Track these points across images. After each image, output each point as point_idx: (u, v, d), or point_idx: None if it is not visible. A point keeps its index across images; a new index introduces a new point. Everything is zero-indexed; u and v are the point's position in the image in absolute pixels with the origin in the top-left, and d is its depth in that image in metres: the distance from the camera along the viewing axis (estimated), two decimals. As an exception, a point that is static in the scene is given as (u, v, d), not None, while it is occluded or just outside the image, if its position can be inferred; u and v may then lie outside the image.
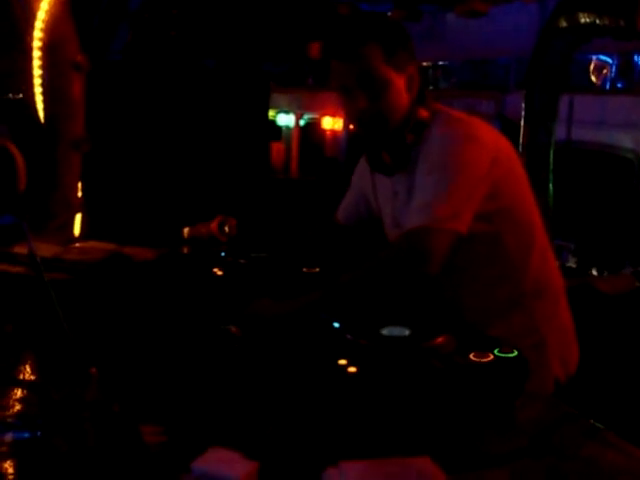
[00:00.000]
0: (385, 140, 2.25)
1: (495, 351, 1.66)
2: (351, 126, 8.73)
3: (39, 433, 1.43)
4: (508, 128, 6.26)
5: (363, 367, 1.66)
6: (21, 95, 3.51)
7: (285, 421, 1.48)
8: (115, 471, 1.28)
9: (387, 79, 2.17)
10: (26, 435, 1.42)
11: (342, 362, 1.67)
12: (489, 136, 2.23)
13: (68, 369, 1.78)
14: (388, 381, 1.62)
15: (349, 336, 1.81)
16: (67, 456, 1.34)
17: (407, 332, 1.78)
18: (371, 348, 1.75)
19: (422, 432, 1.47)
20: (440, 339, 1.75)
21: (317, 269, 2.44)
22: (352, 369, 1.65)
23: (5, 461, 1.35)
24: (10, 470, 1.32)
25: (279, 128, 13.91)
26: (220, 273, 2.49)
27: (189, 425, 1.42)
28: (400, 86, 2.20)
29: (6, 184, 3.48)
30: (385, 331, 1.79)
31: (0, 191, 3.38)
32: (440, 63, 10.57)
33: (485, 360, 1.63)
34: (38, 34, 3.17)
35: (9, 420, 1.53)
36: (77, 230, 3.36)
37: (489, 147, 2.19)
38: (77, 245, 3.18)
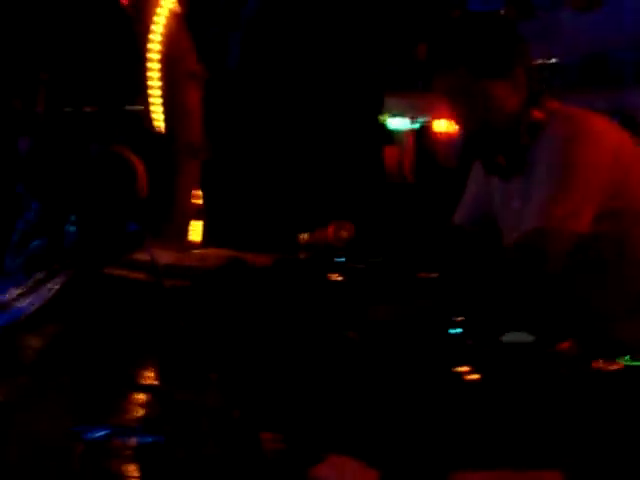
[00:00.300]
0: (498, 143, 2.22)
1: (626, 359, 1.59)
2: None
3: (162, 438, 1.44)
4: (628, 124, 6.05)
5: (484, 375, 1.61)
6: (142, 107, 3.60)
7: (406, 429, 1.45)
8: (232, 478, 1.28)
9: (486, 88, 2.15)
10: (149, 440, 1.44)
11: (462, 369, 1.63)
12: (609, 133, 2.16)
13: (189, 374, 1.80)
14: (511, 389, 1.57)
15: (470, 342, 1.77)
16: (185, 462, 1.35)
17: (530, 338, 1.73)
18: (493, 355, 1.70)
19: (550, 444, 1.42)
20: (565, 344, 1.69)
21: (434, 274, 2.40)
22: (473, 377, 1.61)
23: (129, 465, 1.36)
24: (134, 474, 1.34)
25: (392, 132, 13.85)
26: (337, 278, 2.49)
27: (308, 432, 1.41)
28: (504, 92, 2.17)
29: (128, 192, 3.58)
30: (507, 337, 1.75)
31: (122, 199, 3.50)
32: (555, 61, 10.33)
33: (614, 368, 1.57)
34: (156, 47, 3.24)
35: (133, 425, 1.55)
36: (198, 237, 3.41)
37: (609, 145, 2.12)
38: (196, 252, 3.23)
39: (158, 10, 3.20)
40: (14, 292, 2.49)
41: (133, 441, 1.44)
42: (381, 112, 8.68)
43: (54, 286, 2.55)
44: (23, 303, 2.39)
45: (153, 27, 3.20)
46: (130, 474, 1.33)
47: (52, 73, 18.36)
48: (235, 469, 1.30)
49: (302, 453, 1.30)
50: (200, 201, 3.44)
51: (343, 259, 2.70)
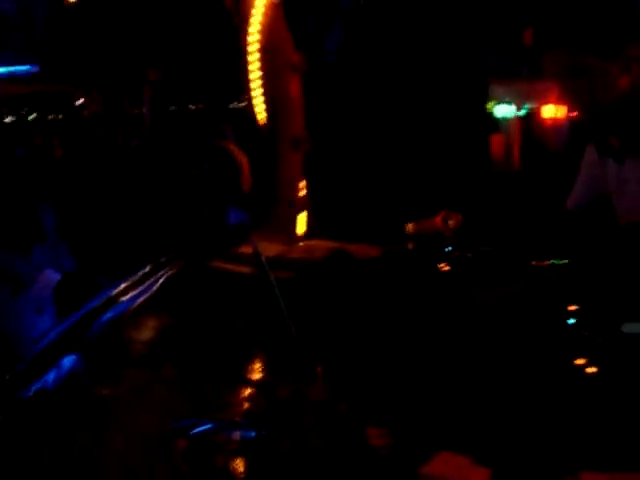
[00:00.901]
0: (610, 125, 2.14)
1: None
2: (574, 114, 8.39)
3: (264, 432, 1.41)
4: None
5: (603, 367, 1.53)
6: (245, 103, 3.60)
7: (519, 425, 1.38)
8: (338, 473, 1.24)
9: (596, 67, 2.08)
10: (252, 434, 1.41)
11: (580, 362, 1.55)
12: None
13: (294, 368, 1.77)
14: (631, 383, 1.48)
15: (586, 333, 1.69)
16: (290, 456, 1.31)
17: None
18: (611, 346, 1.61)
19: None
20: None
21: (547, 262, 2.31)
22: (591, 369, 1.53)
23: (233, 459, 1.34)
24: (238, 468, 1.32)
25: (498, 120, 13.65)
26: (446, 268, 2.43)
27: (417, 428, 1.35)
28: (615, 71, 2.10)
29: (233, 186, 3.60)
30: (627, 327, 1.65)
31: (227, 192, 3.51)
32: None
33: None
34: (255, 38, 3.23)
35: (237, 419, 1.53)
36: (302, 229, 3.39)
37: None
38: (301, 244, 3.21)
39: (256, 2, 3.18)
40: (121, 286, 2.51)
41: (237, 435, 1.42)
42: (487, 100, 8.51)
43: (160, 280, 2.56)
44: (129, 297, 2.41)
45: (252, 19, 3.18)
46: (234, 468, 1.31)
47: (158, 73, 18.78)
48: (340, 464, 1.26)
49: (411, 449, 1.25)
50: (304, 193, 3.41)
51: (450, 248, 2.63)
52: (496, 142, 12.81)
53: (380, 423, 1.35)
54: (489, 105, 10.29)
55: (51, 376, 1.81)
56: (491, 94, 9.72)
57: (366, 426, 1.34)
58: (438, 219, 2.84)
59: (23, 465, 1.53)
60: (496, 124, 13.16)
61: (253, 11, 3.18)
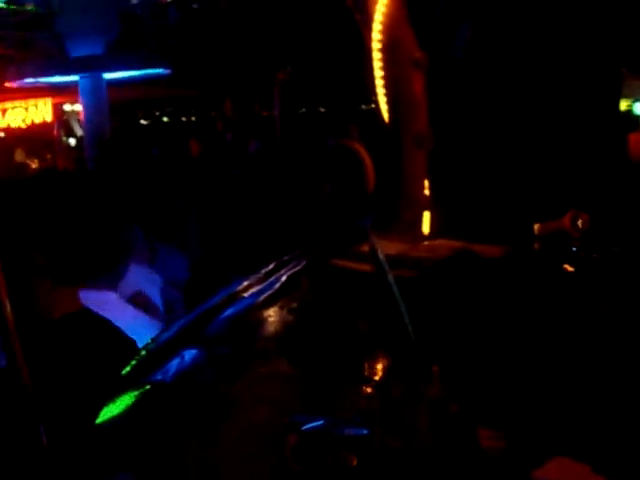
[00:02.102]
0: None
1: None
2: None
3: (377, 430, 1.39)
4: None
5: None
6: (372, 106, 3.59)
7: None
8: (448, 473, 1.21)
9: None
10: (364, 432, 1.40)
11: None
12: None
13: (410, 367, 1.74)
14: None
15: None
16: (401, 454, 1.29)
17: None
18: None
19: None
20: None
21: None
22: None
23: (346, 456, 1.33)
24: (350, 465, 1.31)
25: (637, 118, 13.16)
26: (572, 269, 2.35)
27: (532, 431, 1.30)
28: None
29: (356, 185, 3.59)
30: None
31: (352, 191, 3.51)
32: None
33: None
34: (377, 35, 3.21)
35: (350, 416, 1.52)
36: (426, 228, 3.35)
37: None
38: (425, 243, 3.17)
39: (378, -2, 3.16)
40: (244, 283, 2.55)
41: (349, 432, 1.41)
42: (620, 96, 8.18)
43: (282, 277, 2.58)
44: (252, 293, 2.44)
45: (374, 15, 3.17)
46: (344, 465, 1.30)
47: (287, 74, 19.00)
48: (451, 464, 1.23)
49: (523, 453, 1.21)
50: (427, 191, 3.37)
51: (575, 249, 2.55)
52: (635, 141, 12.33)
53: (493, 425, 1.31)
54: (627, 102, 9.92)
55: (172, 368, 1.85)
56: (631, 91, 9.36)
57: (478, 427, 1.30)
58: (566, 219, 2.75)
59: (143, 454, 1.57)
60: (636, 122, 12.68)
61: (376, 7, 3.16)
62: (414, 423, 1.46)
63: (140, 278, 4.91)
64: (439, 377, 1.63)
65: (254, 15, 19.87)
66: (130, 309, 3.74)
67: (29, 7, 18.35)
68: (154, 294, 4.82)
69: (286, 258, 2.77)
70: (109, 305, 3.73)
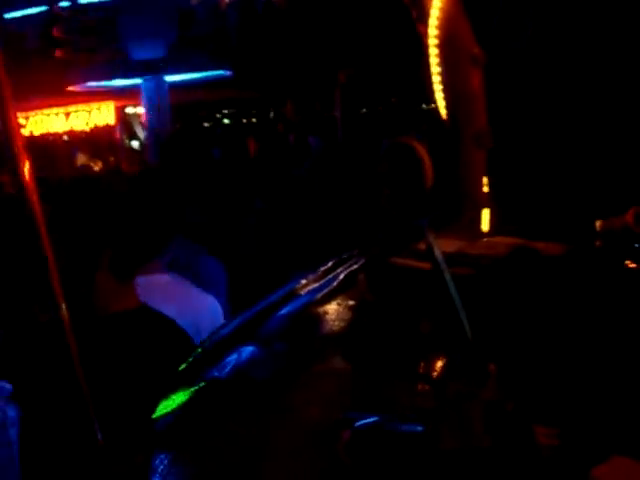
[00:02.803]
0: None
1: None
2: None
3: (432, 428, 1.38)
4: None
5: None
6: (433, 105, 3.58)
7: None
8: (504, 472, 1.19)
9: None
10: (419, 429, 1.39)
11: None
12: None
13: (467, 365, 1.73)
14: None
15: None
16: (455, 453, 1.28)
17: None
18: None
19: None
20: None
21: None
22: None
23: (396, 452, 1.33)
24: (402, 462, 1.30)
25: None
26: (633, 266, 2.30)
27: (588, 429, 1.28)
28: None
29: (414, 182, 3.57)
30: None
31: (410, 188, 3.49)
32: None
33: None
34: (433, 31, 3.18)
35: (406, 412, 1.51)
36: (485, 226, 3.32)
37: None
38: (483, 240, 3.14)
39: (435, -8, 3.14)
40: (302, 280, 2.55)
41: (403, 429, 1.40)
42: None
43: (340, 275, 2.58)
44: (309, 290, 2.44)
45: (430, 11, 3.14)
46: (397, 462, 1.29)
47: (349, 75, 18.97)
48: (507, 463, 1.21)
49: (581, 451, 1.18)
50: (486, 189, 3.34)
51: (638, 245, 2.49)
52: None
53: (549, 422, 1.29)
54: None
55: (229, 365, 1.86)
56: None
57: (534, 425, 1.28)
58: (629, 215, 2.70)
59: (198, 449, 1.59)
60: None
61: (433, 3, 3.14)
62: (470, 423, 1.44)
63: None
64: (496, 376, 1.61)
65: (314, 16, 19.91)
66: (189, 287, 3.78)
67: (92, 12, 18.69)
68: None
69: (344, 256, 2.77)
70: (167, 286, 3.78)
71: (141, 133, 22.84)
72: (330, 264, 2.71)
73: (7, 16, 22.80)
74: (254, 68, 17.75)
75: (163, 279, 3.81)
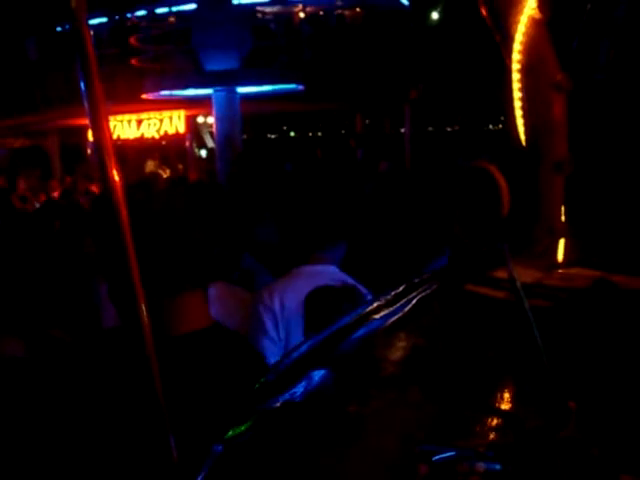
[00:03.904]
0: None
1: None
2: None
3: (510, 466, 1.34)
4: None
5: None
6: (500, 126, 3.52)
7: None
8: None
9: None
10: (497, 467, 1.35)
11: None
12: None
13: (545, 401, 1.68)
14: None
15: None
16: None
17: None
18: None
19: None
20: None
21: None
22: None
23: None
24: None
25: None
26: None
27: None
28: None
29: (490, 208, 3.52)
30: None
31: (486, 215, 3.43)
32: None
33: None
34: (516, 56, 3.13)
35: (481, 449, 1.47)
36: (560, 256, 3.25)
37: None
38: (560, 271, 3.07)
39: (519, 17, 3.08)
40: (374, 304, 2.53)
41: (480, 467, 1.36)
42: None
43: (412, 300, 2.54)
44: (382, 315, 2.41)
45: (514, 35, 3.09)
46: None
47: (419, 92, 18.92)
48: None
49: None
50: (563, 218, 3.26)
51: None
52: None
53: (638, 472, 1.24)
54: None
55: (300, 389, 1.84)
56: None
57: (621, 474, 1.23)
58: None
59: (270, 473, 1.57)
60: None
61: (518, 27, 3.09)
62: (550, 463, 1.40)
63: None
64: (576, 415, 1.56)
65: (387, 31, 19.91)
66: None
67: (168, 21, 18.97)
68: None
69: (416, 280, 2.73)
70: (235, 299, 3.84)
71: (210, 142, 23.09)
72: (402, 288, 2.68)
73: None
74: (325, 82, 17.83)
75: (232, 292, 3.86)
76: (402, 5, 23.95)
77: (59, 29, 24.60)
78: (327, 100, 19.51)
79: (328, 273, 3.74)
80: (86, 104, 1.44)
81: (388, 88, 18.99)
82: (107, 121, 1.49)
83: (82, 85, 1.45)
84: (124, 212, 1.45)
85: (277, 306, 3.55)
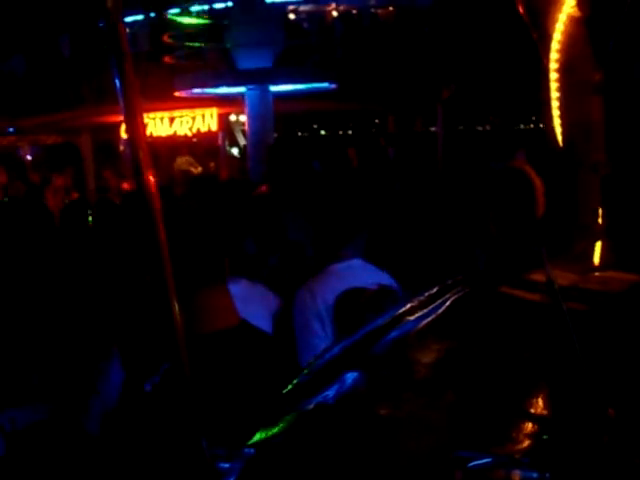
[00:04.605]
0: None
1: None
2: None
3: (548, 474, 1.31)
4: None
5: None
6: (532, 125, 3.48)
7: None
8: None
9: None
10: (534, 475, 1.32)
11: None
12: None
13: (583, 407, 1.65)
14: None
15: None
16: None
17: None
18: None
19: None
20: None
21: None
22: None
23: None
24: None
25: None
26: None
27: None
28: None
29: (525, 209, 3.48)
30: None
31: (522, 216, 3.40)
32: None
33: None
34: (554, 55, 3.09)
35: (517, 455, 1.44)
36: (597, 258, 3.21)
37: None
38: (596, 274, 3.03)
39: (558, 15, 3.04)
40: (407, 305, 2.50)
41: (517, 474, 1.34)
42: None
43: (446, 302, 2.51)
44: (415, 317, 2.39)
45: (552, 34, 3.05)
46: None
47: (451, 91, 18.84)
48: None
49: None
50: (600, 220, 3.23)
51: None
52: None
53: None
54: None
55: (333, 391, 1.82)
56: None
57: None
58: None
59: (301, 475, 1.55)
60: None
61: (556, 26, 3.05)
62: (589, 470, 1.37)
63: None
64: (616, 422, 1.53)
65: (420, 30, 19.84)
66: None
67: (201, 20, 19.04)
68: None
69: (450, 282, 2.70)
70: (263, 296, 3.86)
71: (242, 140, 23.14)
72: (435, 289, 2.65)
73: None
74: (357, 81, 17.79)
75: (256, 290, 3.86)
76: (434, 4, 23.87)
77: (93, 26, 24.81)
78: (359, 99, 19.49)
79: (362, 271, 3.74)
80: (121, 101, 1.44)
81: (420, 87, 18.92)
82: (142, 118, 1.48)
83: (117, 83, 1.44)
84: (158, 208, 1.44)
85: (321, 305, 3.56)
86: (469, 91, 20.55)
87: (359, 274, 3.68)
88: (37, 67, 22.87)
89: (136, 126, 1.46)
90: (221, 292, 2.20)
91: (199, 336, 2.07)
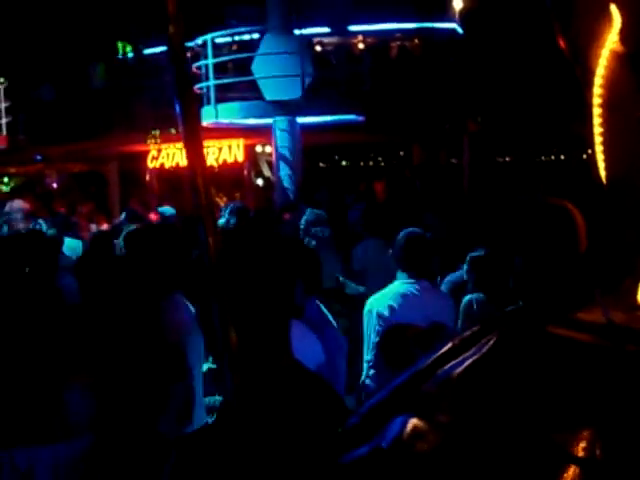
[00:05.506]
0: None
1: None
2: None
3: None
4: None
5: None
6: (552, 157, 3.44)
7: None
8: None
9: None
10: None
11: None
12: None
13: (632, 450, 1.61)
14: None
15: None
16: None
17: None
18: None
19: None
20: None
21: None
22: None
23: None
24: None
25: None
26: None
27: None
28: None
29: (568, 246, 3.43)
30: None
31: (563, 252, 3.35)
32: None
33: None
34: (597, 91, 3.04)
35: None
36: (640, 297, 3.15)
37: None
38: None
39: (601, 51, 3.00)
40: (449, 344, 2.45)
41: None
42: None
43: (491, 341, 2.46)
44: (461, 358, 2.34)
45: (595, 70, 3.00)
46: None
47: (478, 124, 18.82)
48: None
49: None
50: (645, 257, 3.16)
51: None
52: None
53: None
54: None
55: (389, 434, 1.78)
56: None
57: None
58: None
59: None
60: None
61: (599, 61, 3.01)
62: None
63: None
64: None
65: (447, 62, 19.91)
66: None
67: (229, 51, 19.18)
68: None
69: (495, 319, 2.65)
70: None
71: (267, 172, 23.22)
72: (477, 327, 2.60)
73: (146, 52, 23.81)
74: (384, 112, 17.83)
75: (301, 330, 3.83)
76: (460, 35, 23.98)
77: (122, 57, 25.11)
78: (385, 131, 19.51)
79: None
80: (181, 127, 1.44)
81: (446, 119, 18.94)
82: (202, 145, 1.49)
83: (177, 109, 1.45)
84: (215, 234, 1.45)
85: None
86: (495, 123, 20.55)
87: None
88: (65, 96, 23.13)
89: (196, 152, 1.46)
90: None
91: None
